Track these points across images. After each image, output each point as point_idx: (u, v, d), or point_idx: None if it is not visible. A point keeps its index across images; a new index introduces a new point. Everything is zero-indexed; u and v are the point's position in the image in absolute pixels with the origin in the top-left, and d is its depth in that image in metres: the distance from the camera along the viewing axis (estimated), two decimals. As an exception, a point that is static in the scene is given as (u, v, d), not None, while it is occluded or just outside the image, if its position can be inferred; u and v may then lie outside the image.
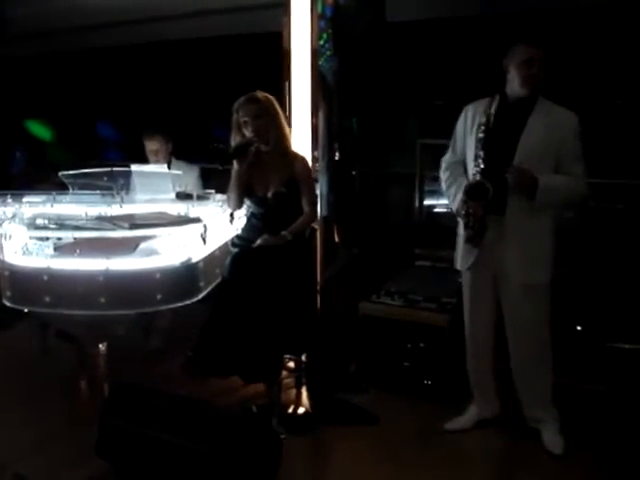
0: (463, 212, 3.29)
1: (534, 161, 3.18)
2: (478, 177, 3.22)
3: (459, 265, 3.51)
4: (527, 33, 3.29)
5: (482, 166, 3.22)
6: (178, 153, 4.86)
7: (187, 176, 4.66)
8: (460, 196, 3.29)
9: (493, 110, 3.29)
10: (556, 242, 3.33)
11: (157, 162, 4.66)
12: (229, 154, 3.46)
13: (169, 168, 4.57)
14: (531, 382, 3.44)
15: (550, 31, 4.18)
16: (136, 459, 3.04)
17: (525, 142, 3.21)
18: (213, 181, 4.70)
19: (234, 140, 3.54)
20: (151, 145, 4.74)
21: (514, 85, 3.26)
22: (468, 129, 3.38)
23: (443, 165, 3.55)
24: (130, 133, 6.58)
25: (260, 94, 3.53)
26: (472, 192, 3.21)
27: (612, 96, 4.42)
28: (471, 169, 3.31)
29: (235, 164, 3.48)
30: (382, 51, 4.93)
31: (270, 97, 3.60)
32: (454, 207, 3.40)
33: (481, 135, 3.24)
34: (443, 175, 3.54)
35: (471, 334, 3.59)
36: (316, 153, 4.14)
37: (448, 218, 4.95)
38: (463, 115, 3.44)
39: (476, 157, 3.26)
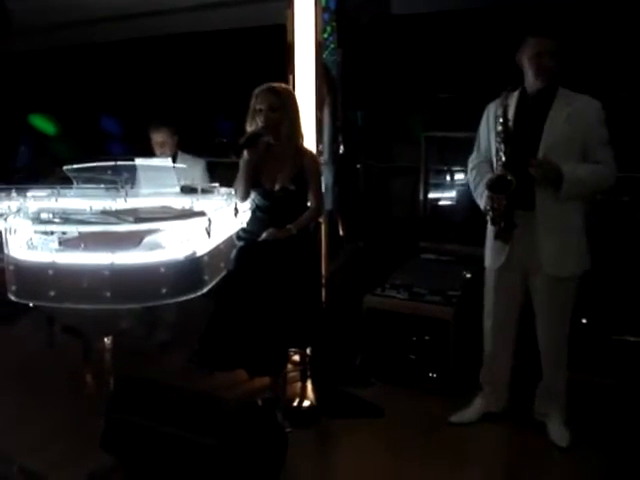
0: (488, 207, 3.25)
1: (559, 152, 3.16)
2: (500, 170, 3.21)
3: (488, 264, 3.49)
4: (537, 25, 3.27)
5: (503, 159, 3.19)
6: (184, 146, 4.84)
7: (193, 169, 4.65)
8: (486, 193, 3.26)
9: (512, 102, 3.28)
10: (586, 233, 3.32)
11: (163, 154, 4.65)
12: (241, 144, 3.44)
13: (175, 161, 4.56)
14: (555, 376, 3.44)
15: (553, 23, 4.16)
16: (142, 452, 3.04)
17: (548, 134, 3.19)
18: (217, 174, 4.70)
19: (250, 126, 3.52)
20: (157, 137, 4.71)
21: (529, 78, 3.25)
22: (491, 126, 3.36)
23: (470, 166, 3.55)
24: (134, 127, 6.58)
25: (281, 86, 3.52)
26: (495, 185, 3.18)
27: (617, 88, 4.40)
28: (495, 163, 3.30)
29: (245, 154, 3.47)
30: (387, 44, 4.92)
31: (291, 91, 3.60)
32: (482, 205, 3.36)
33: (500, 128, 3.22)
34: (470, 176, 3.53)
35: (493, 332, 3.55)
36: (321, 147, 4.13)
37: (453, 211, 4.97)
38: (485, 114, 3.44)
39: (497, 151, 3.24)
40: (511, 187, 3.12)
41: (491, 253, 3.45)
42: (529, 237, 3.25)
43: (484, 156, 3.46)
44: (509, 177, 3.13)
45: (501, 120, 3.22)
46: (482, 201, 3.34)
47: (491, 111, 3.37)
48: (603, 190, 3.42)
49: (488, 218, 3.31)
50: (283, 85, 3.55)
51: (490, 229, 3.37)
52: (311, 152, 3.69)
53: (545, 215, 3.22)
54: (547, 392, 3.48)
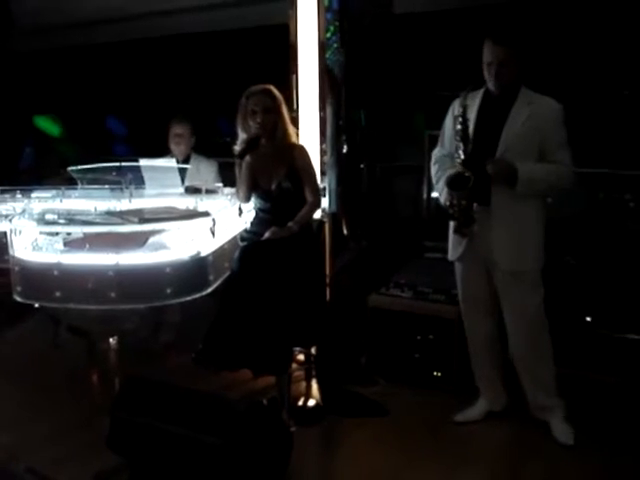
0: (448, 203, 3.29)
1: (517, 151, 3.20)
2: (458, 167, 3.23)
3: (450, 256, 3.53)
4: (491, 30, 3.24)
5: (462, 157, 3.22)
6: (196, 148, 4.85)
7: (206, 171, 4.67)
8: (445, 189, 3.29)
9: (475, 101, 3.32)
10: (545, 229, 3.35)
11: (178, 148, 4.67)
12: (245, 147, 3.50)
13: (187, 162, 4.58)
14: (530, 368, 3.44)
15: (559, 18, 4.16)
16: (147, 452, 3.06)
17: (508, 133, 3.23)
18: (222, 175, 4.72)
19: (242, 127, 3.57)
20: (177, 129, 4.72)
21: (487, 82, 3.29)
22: (452, 124, 3.37)
23: (433, 159, 3.57)
24: (139, 128, 6.60)
25: (272, 88, 3.56)
26: (453, 182, 3.22)
27: (619, 86, 4.39)
28: (454, 160, 3.32)
29: (248, 157, 3.51)
30: (389, 43, 4.91)
31: (278, 92, 3.62)
32: (442, 200, 3.40)
33: (459, 127, 3.25)
34: (432, 169, 3.57)
35: (467, 326, 3.61)
36: (324, 146, 4.14)
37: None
38: (451, 109, 3.44)
39: (457, 149, 3.27)
40: (469, 184, 3.15)
41: (451, 245, 3.50)
42: (486, 231, 3.29)
43: (447, 150, 3.48)
44: (467, 174, 3.16)
45: (460, 119, 3.24)
46: (442, 196, 3.39)
47: (455, 107, 3.36)
48: (559, 188, 3.42)
49: (448, 213, 3.34)
50: (272, 86, 3.58)
51: (451, 223, 3.41)
52: (300, 145, 3.72)
53: (500, 210, 3.26)
54: (533, 389, 3.48)
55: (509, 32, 3.25)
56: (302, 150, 3.68)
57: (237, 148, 3.55)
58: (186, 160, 4.66)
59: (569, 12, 4.32)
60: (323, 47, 4.04)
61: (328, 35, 4.12)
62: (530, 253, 3.32)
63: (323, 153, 4.12)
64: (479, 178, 3.15)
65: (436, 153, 3.57)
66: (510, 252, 3.28)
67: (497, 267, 3.34)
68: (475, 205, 3.24)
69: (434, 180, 3.55)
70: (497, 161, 3.21)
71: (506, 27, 3.28)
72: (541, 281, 3.37)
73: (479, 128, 3.28)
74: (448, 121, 3.48)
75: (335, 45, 4.21)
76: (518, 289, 3.33)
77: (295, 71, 4.09)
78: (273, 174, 3.57)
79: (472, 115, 3.29)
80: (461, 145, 3.23)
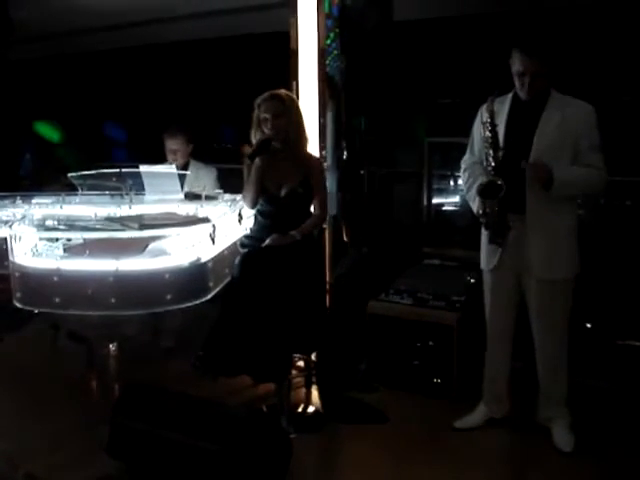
0: (481, 212, 3.26)
1: (550, 156, 3.15)
2: (490, 175, 3.20)
3: (483, 265, 3.50)
4: (521, 40, 3.21)
5: (493, 164, 3.18)
6: (195, 154, 4.83)
7: (205, 177, 4.66)
8: (478, 197, 3.26)
9: (503, 107, 3.28)
10: (578, 237, 3.32)
11: (175, 161, 4.63)
12: (255, 151, 3.47)
13: (186, 169, 4.56)
14: (553, 380, 3.43)
15: (558, 27, 4.16)
16: (147, 458, 3.05)
17: (540, 138, 3.18)
18: (220, 180, 4.72)
19: (255, 136, 3.54)
20: (172, 144, 4.67)
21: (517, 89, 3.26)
22: (480, 130, 3.35)
23: (462, 166, 3.53)
24: (138, 134, 6.61)
25: (284, 92, 3.53)
26: (485, 191, 3.18)
27: (620, 92, 4.40)
28: (485, 168, 3.29)
29: (257, 160, 3.48)
30: (389, 50, 4.93)
31: (293, 97, 3.61)
32: (474, 209, 3.37)
33: (487, 134, 3.21)
34: (463, 177, 3.52)
35: (491, 335, 3.56)
36: (324, 152, 4.15)
37: (456, 216, 4.97)
38: (479, 115, 3.39)
39: (486, 156, 3.23)
40: (501, 192, 3.12)
41: (485, 255, 3.47)
42: (521, 239, 3.26)
43: (477, 157, 3.44)
44: (499, 182, 3.12)
45: (488, 126, 3.21)
46: (475, 205, 3.36)
47: (482, 114, 3.32)
48: (594, 193, 3.41)
49: (482, 222, 3.32)
50: (284, 91, 3.56)
51: (484, 232, 3.38)
52: (317, 158, 3.72)
53: (535, 218, 3.23)
54: (548, 397, 3.47)
55: (539, 43, 3.17)
56: (319, 163, 3.69)
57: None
58: (185, 167, 4.64)
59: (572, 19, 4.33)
60: (323, 54, 4.05)
61: (328, 42, 4.13)
62: (565, 261, 3.28)
63: (323, 159, 4.12)
64: (512, 185, 3.12)
65: (466, 160, 3.52)
66: (546, 260, 3.24)
67: (532, 275, 3.30)
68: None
69: (465, 188, 3.50)
70: (534, 164, 3.15)
71: (536, 37, 3.22)
72: (572, 292, 3.35)
73: (509, 134, 3.24)
74: (476, 127, 3.43)
75: (335, 52, 4.22)
76: (550, 297, 3.29)
77: (295, 78, 4.10)
78: (284, 180, 3.52)
79: (502, 121, 3.25)
80: (491, 152, 3.20)
